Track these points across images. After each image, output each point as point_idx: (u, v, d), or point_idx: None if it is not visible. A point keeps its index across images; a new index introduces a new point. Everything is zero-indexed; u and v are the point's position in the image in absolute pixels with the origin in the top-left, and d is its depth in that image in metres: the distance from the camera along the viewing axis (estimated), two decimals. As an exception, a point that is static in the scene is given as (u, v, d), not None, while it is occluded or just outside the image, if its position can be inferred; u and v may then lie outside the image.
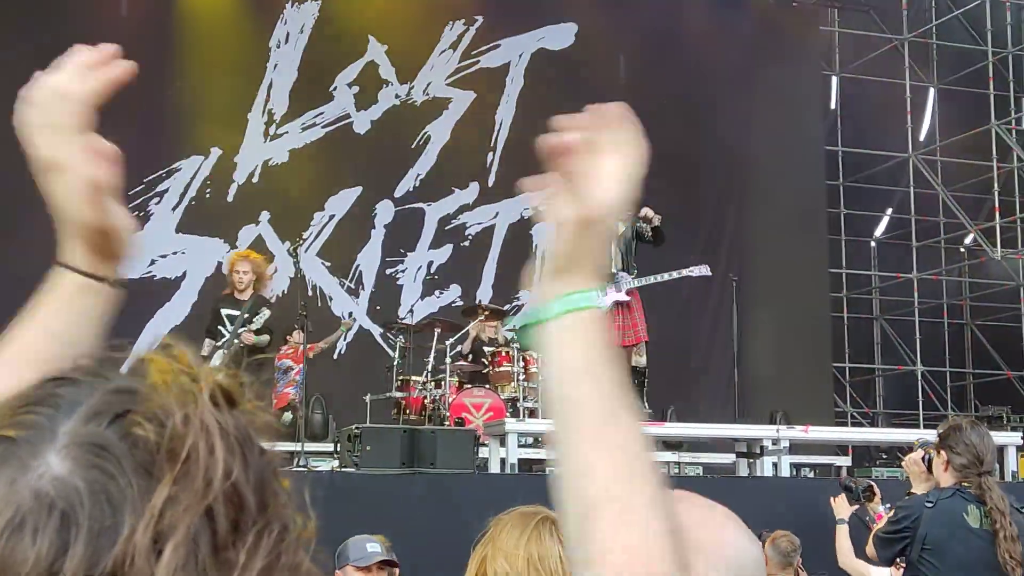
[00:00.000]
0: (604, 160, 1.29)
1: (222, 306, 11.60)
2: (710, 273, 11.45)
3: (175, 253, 14.74)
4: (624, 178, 1.29)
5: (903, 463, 6.17)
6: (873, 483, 7.73)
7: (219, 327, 11.40)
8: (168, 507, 0.81)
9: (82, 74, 1.37)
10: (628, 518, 1.15)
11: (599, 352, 1.23)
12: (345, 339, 14.69)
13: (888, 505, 7.47)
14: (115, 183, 1.32)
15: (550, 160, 1.28)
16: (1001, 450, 10.19)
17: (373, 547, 5.76)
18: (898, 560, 6.32)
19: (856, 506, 7.82)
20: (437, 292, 15.75)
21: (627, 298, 10.62)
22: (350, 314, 14.59)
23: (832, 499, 7.96)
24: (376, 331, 14.95)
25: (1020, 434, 11.86)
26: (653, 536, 1.14)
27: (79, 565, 0.78)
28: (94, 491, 0.80)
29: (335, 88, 15.99)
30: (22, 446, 0.82)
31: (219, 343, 11.28)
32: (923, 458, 5.72)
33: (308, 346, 13.40)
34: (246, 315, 11.31)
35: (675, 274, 11.04)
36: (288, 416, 12.13)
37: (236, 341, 11.11)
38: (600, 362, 1.23)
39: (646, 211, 10.71)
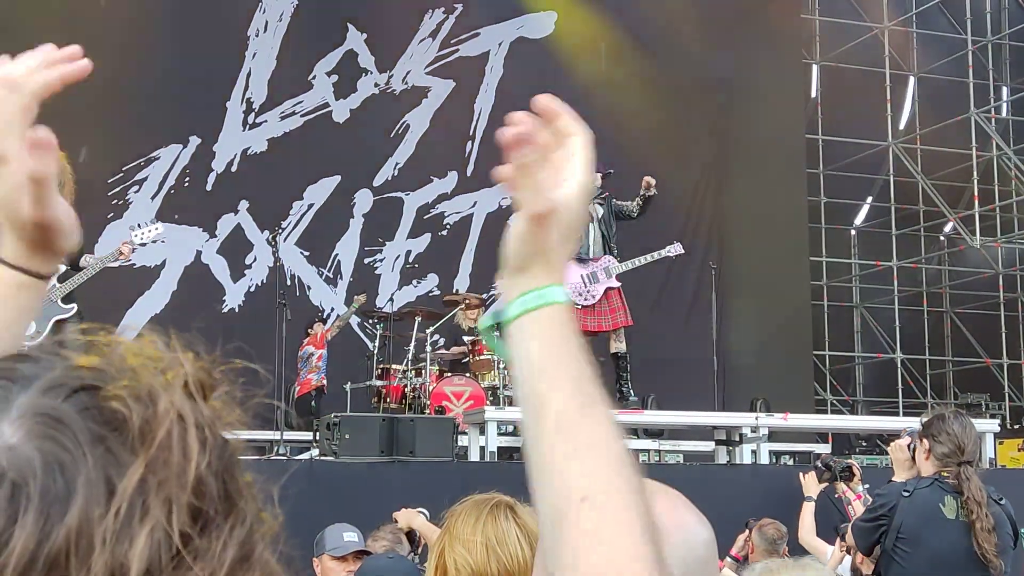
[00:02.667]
0: (560, 151, 1.26)
1: None
2: (684, 251, 11.51)
3: (154, 242, 14.65)
4: (581, 168, 1.26)
5: (889, 449, 6.17)
6: (853, 463, 7.74)
7: None
8: (139, 491, 0.80)
9: (39, 69, 1.34)
10: (598, 523, 1.10)
11: (560, 348, 1.20)
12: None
13: (867, 486, 7.50)
14: (53, 172, 1.29)
15: (508, 153, 1.26)
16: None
17: (350, 536, 5.74)
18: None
19: (824, 485, 7.86)
20: (415, 281, 15.72)
21: (618, 284, 10.65)
22: (363, 291, 14.52)
23: (801, 475, 7.98)
24: (354, 320, 14.92)
25: (998, 422, 11.91)
26: (627, 541, 1.09)
27: (29, 537, 0.77)
28: (47, 462, 0.79)
29: (314, 77, 15.93)
30: None
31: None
32: (909, 445, 5.73)
33: (325, 329, 13.45)
34: None
35: (654, 255, 11.07)
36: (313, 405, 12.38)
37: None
38: (562, 359, 1.19)
39: (648, 179, 10.81)
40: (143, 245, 9.65)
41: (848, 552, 6.34)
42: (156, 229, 9.72)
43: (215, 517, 0.83)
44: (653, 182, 10.84)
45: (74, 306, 8.99)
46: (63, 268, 8.94)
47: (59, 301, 8.91)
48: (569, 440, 1.15)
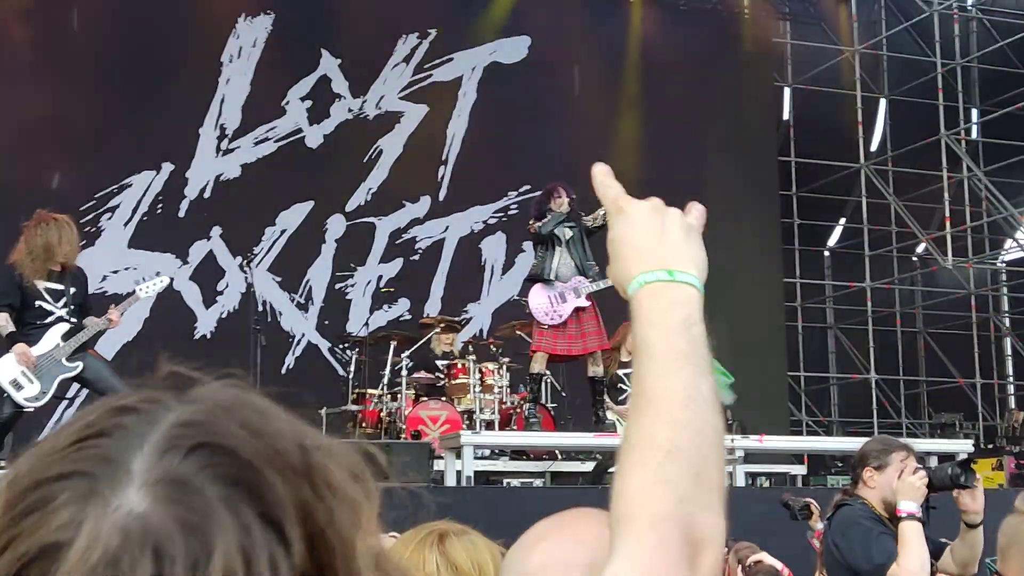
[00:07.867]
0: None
1: (38, 278, 8.60)
2: None
3: (127, 269, 14.59)
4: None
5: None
6: (812, 501, 7.66)
7: (37, 302, 8.62)
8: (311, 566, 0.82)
9: None
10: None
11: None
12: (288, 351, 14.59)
13: (826, 522, 7.46)
14: None
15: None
16: (952, 458, 10.25)
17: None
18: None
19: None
20: (386, 306, 15.65)
21: (587, 303, 10.60)
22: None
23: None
24: (324, 345, 14.88)
25: (972, 441, 11.95)
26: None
27: None
28: (181, 524, 0.80)
29: (287, 102, 15.91)
30: (100, 481, 0.81)
31: (47, 322, 8.61)
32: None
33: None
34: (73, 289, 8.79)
35: None
36: None
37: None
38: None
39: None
40: (148, 298, 9.40)
41: None
42: (162, 282, 9.44)
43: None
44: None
45: (79, 364, 8.68)
46: (67, 327, 8.69)
47: (64, 360, 8.63)
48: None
